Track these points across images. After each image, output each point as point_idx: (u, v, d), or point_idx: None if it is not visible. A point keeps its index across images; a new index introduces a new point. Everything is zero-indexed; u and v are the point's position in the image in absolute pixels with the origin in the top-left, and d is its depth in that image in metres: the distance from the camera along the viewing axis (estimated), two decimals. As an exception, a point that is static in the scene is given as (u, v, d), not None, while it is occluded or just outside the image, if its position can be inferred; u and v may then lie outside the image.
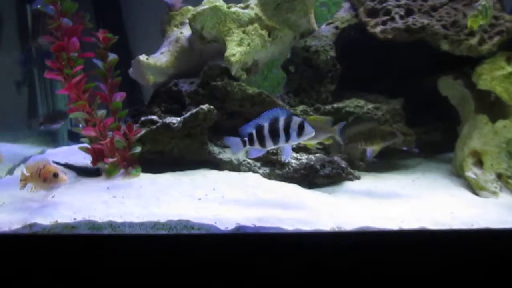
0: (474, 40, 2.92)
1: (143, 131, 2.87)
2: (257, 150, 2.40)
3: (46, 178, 2.38)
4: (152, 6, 4.74)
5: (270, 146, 2.36)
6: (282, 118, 2.29)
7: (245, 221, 2.20)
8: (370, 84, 3.46)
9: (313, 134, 2.32)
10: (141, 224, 2.18)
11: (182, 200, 2.48)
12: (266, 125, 2.31)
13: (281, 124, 2.29)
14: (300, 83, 3.35)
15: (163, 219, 2.19)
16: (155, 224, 2.17)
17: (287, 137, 2.30)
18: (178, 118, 2.90)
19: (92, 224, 2.19)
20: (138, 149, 2.84)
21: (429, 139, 3.54)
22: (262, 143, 2.34)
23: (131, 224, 2.18)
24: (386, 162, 3.47)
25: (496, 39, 2.91)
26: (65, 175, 2.41)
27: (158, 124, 2.90)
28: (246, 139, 2.36)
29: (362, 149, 2.95)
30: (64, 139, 4.85)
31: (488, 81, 2.88)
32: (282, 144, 2.34)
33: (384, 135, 2.74)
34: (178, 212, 2.28)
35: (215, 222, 2.17)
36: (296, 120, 2.29)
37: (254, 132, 2.34)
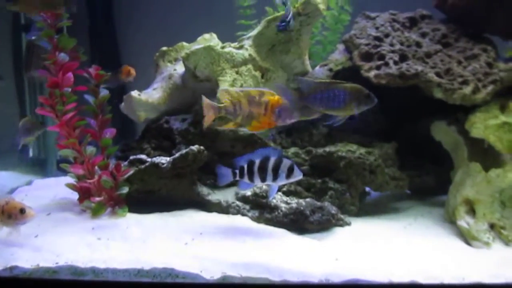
0: (468, 89, 2.88)
1: (131, 172, 2.82)
2: (247, 183, 2.51)
3: (11, 215, 2.31)
4: (149, 37, 4.77)
5: (258, 183, 2.48)
6: (273, 158, 2.44)
7: (231, 269, 2.16)
8: (364, 126, 3.44)
9: (301, 177, 2.48)
10: (125, 271, 2.13)
11: (168, 244, 2.42)
12: (257, 162, 2.44)
13: (271, 163, 2.44)
14: (293, 123, 3.31)
15: (147, 266, 2.13)
16: (139, 271, 2.12)
17: (275, 177, 2.44)
18: (167, 158, 2.86)
19: (74, 269, 2.14)
20: (125, 189, 2.78)
21: (422, 182, 3.52)
22: (251, 178, 2.47)
23: (114, 271, 2.13)
24: (377, 204, 3.43)
25: (490, 88, 2.89)
26: (33, 210, 2.35)
27: (147, 164, 2.84)
28: (237, 171, 2.48)
29: None
30: (52, 169, 4.79)
31: (481, 129, 2.86)
32: (269, 182, 2.47)
33: None
34: (163, 258, 2.22)
35: (201, 271, 2.12)
36: (286, 163, 2.44)
37: (245, 166, 2.46)
